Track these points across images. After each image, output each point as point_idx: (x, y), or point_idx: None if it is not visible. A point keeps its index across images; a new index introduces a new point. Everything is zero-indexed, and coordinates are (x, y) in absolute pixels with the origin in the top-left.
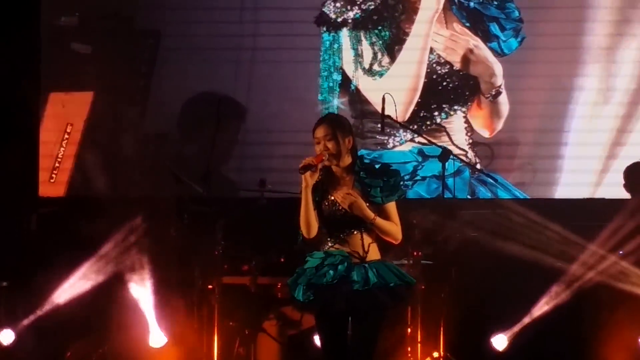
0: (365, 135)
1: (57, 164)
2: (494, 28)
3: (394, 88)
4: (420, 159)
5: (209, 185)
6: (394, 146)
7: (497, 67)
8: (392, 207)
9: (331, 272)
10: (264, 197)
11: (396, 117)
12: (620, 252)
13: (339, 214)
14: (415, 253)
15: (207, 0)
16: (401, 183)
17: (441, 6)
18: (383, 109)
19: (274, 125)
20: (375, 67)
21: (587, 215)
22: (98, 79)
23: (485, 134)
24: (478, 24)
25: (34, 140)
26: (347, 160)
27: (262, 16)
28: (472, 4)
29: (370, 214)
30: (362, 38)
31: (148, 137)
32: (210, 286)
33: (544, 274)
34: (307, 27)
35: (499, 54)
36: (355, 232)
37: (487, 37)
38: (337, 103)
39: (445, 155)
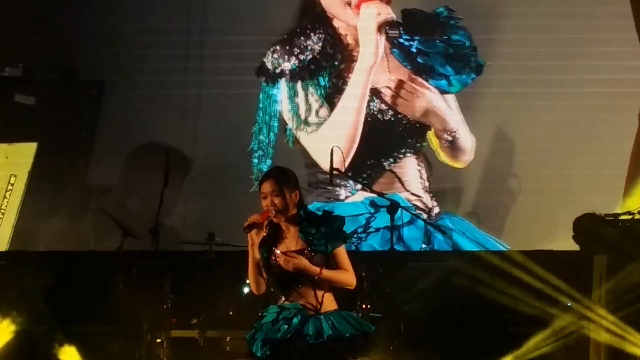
0: (317, 185)
1: (0, 216)
2: (441, 66)
3: (332, 138)
4: (372, 210)
5: (157, 239)
6: (346, 197)
7: (450, 115)
8: (340, 252)
9: (285, 326)
10: (212, 250)
11: (344, 168)
12: (569, 304)
13: (287, 268)
14: (363, 306)
15: (151, 50)
16: (344, 228)
17: (379, 56)
18: (331, 161)
19: (220, 176)
20: (312, 117)
21: (538, 266)
22: (42, 130)
23: (458, 165)
24: (422, 65)
25: None
26: (294, 211)
27: (207, 66)
28: (415, 45)
29: (315, 269)
30: (299, 89)
31: (92, 189)
32: (158, 339)
33: (494, 327)
34: (253, 78)
35: (448, 91)
36: (307, 285)
37: (432, 76)
38: (272, 153)
39: (393, 207)
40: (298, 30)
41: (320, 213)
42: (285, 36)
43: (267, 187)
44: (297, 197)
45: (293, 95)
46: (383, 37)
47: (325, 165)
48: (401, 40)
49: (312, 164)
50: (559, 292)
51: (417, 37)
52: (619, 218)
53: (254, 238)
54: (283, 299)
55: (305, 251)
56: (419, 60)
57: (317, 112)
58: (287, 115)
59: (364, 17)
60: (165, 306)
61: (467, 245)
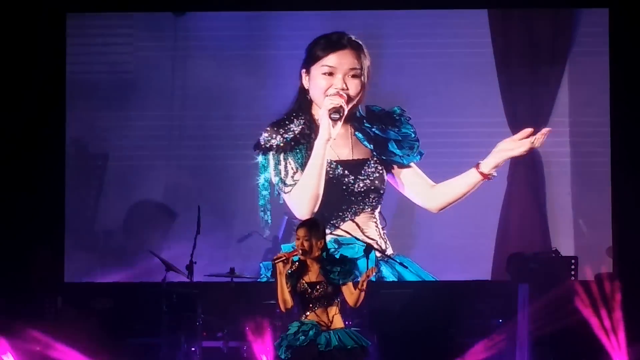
0: None
1: None
2: (392, 148)
3: (300, 197)
4: (336, 246)
5: (191, 272)
6: None
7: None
8: (350, 285)
9: (302, 337)
10: (232, 281)
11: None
12: (500, 320)
13: (307, 294)
14: (346, 322)
15: (146, 121)
16: (354, 269)
17: (331, 135)
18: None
19: (235, 227)
20: (289, 180)
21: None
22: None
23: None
24: (378, 145)
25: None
26: (317, 253)
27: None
28: (373, 130)
29: (363, 285)
30: (281, 159)
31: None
32: (193, 348)
33: (444, 338)
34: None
35: (402, 164)
36: (322, 307)
37: (386, 154)
38: (270, 207)
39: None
40: (285, 116)
41: (333, 255)
42: (275, 121)
43: (301, 232)
44: (322, 243)
45: (277, 163)
46: (332, 121)
47: (298, 216)
48: (364, 127)
49: (292, 214)
50: (494, 312)
51: (375, 125)
52: (539, 256)
53: (281, 268)
54: (304, 316)
55: (323, 282)
56: (376, 141)
57: (292, 176)
58: (274, 178)
59: (323, 107)
60: (197, 323)
61: (409, 277)
